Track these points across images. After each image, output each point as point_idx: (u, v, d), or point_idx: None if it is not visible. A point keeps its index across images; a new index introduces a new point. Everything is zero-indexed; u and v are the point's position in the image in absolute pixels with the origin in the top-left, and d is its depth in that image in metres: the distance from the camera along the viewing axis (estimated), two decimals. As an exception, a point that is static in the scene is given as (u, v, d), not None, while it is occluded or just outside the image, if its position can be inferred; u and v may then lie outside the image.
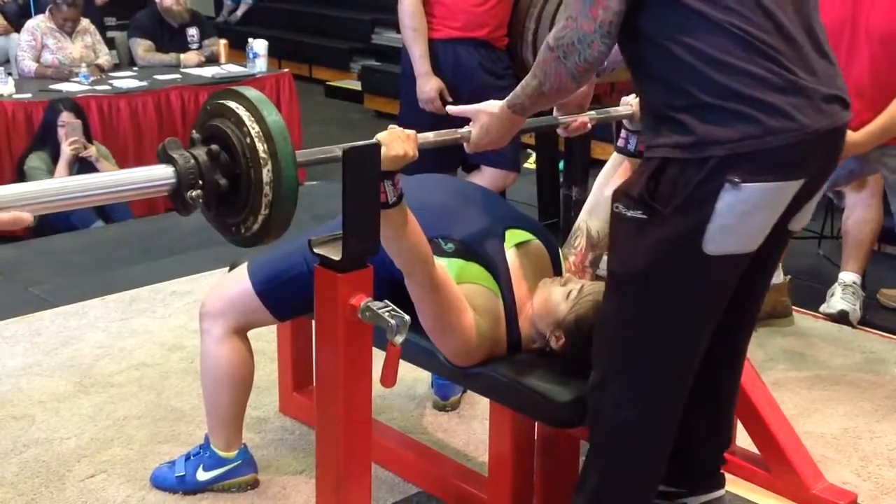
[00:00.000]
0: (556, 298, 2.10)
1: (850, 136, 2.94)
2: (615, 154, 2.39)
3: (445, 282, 2.01)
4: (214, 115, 1.61)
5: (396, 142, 1.79)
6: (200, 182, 1.56)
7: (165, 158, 1.56)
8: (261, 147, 1.54)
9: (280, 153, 1.54)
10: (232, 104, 1.58)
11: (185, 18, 6.31)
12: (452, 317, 2.03)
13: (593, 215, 2.36)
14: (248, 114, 1.56)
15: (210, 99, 1.64)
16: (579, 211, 3.64)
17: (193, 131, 1.63)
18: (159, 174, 1.55)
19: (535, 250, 2.24)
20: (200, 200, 1.56)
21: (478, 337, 2.07)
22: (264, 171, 1.54)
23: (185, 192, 1.55)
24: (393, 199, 1.81)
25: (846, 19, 2.99)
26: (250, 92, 1.59)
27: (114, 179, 1.57)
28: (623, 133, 2.36)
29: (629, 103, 2.34)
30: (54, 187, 1.51)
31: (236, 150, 1.56)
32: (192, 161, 1.55)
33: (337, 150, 1.72)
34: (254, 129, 1.55)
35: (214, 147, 1.57)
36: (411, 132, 1.87)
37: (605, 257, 2.12)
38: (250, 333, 2.42)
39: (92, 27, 6.12)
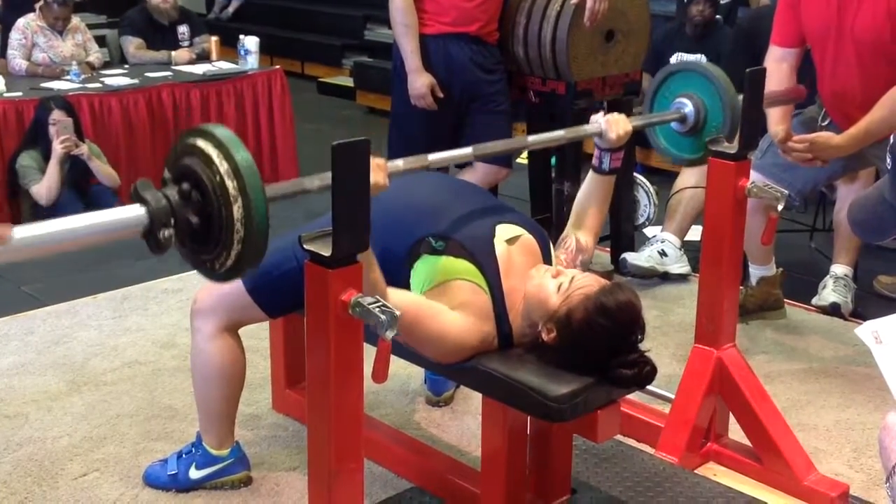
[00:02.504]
0: (548, 291, 2.10)
1: (833, 139, 2.95)
2: (591, 174, 2.39)
3: (409, 302, 2.02)
4: (184, 153, 1.63)
5: None
6: (173, 221, 1.58)
7: (138, 199, 1.59)
8: (230, 184, 1.56)
9: (249, 189, 1.56)
10: (201, 143, 1.60)
11: (173, 16, 6.29)
12: (426, 328, 2.05)
13: (580, 227, 2.39)
14: (216, 151, 1.58)
15: (180, 138, 1.67)
16: (571, 206, 3.67)
17: (165, 170, 1.65)
18: (132, 215, 1.58)
19: (527, 245, 2.24)
20: (173, 240, 1.59)
21: (461, 336, 2.08)
22: (235, 207, 1.56)
23: (158, 231, 1.57)
24: None
25: (831, 25, 3.00)
26: (219, 130, 1.61)
27: (86, 223, 1.58)
28: (596, 152, 2.37)
29: (598, 121, 2.34)
30: (24, 237, 1.50)
31: (207, 189, 1.58)
32: (164, 201, 1.58)
33: (308, 183, 1.76)
34: (223, 166, 1.57)
35: (185, 186, 1.60)
36: (381, 161, 1.88)
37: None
38: (243, 331, 2.42)
39: (83, 25, 6.10)
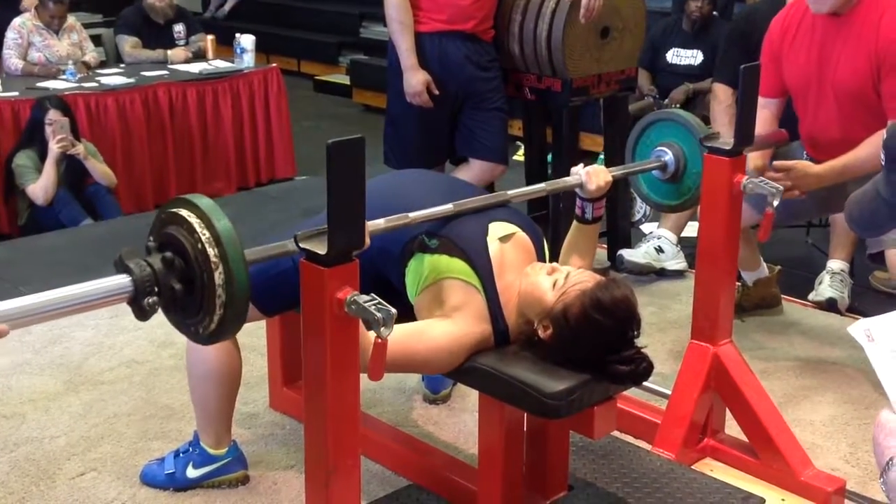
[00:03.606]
0: (543, 288, 2.10)
1: (812, 167, 2.98)
2: (575, 224, 2.44)
3: (391, 347, 2.00)
4: (168, 222, 1.68)
5: None
6: (157, 289, 1.63)
7: (122, 268, 1.63)
8: (212, 252, 1.61)
9: (230, 256, 1.61)
10: (184, 212, 1.65)
11: (168, 15, 6.28)
12: (415, 360, 2.06)
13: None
14: (198, 221, 1.63)
15: (164, 207, 1.72)
16: (568, 203, 3.68)
17: (149, 238, 1.70)
18: (117, 284, 1.62)
19: (520, 242, 2.24)
20: (157, 307, 1.64)
21: (449, 344, 2.08)
22: (216, 274, 1.61)
23: (142, 299, 1.62)
24: None
25: (812, 77, 3.06)
26: (201, 200, 1.66)
27: (73, 294, 1.63)
28: (578, 202, 2.41)
29: (578, 173, 2.39)
30: (11, 309, 1.57)
31: (189, 256, 1.64)
32: (149, 270, 1.63)
33: (290, 245, 1.79)
34: (204, 234, 1.62)
35: (168, 254, 1.65)
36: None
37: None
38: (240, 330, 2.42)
39: (78, 24, 6.09)
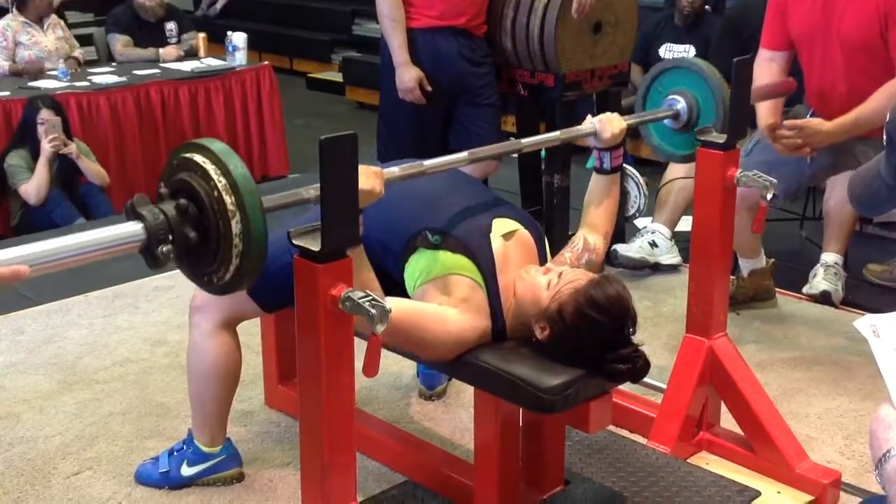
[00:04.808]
0: (539, 288, 2.10)
1: (823, 125, 2.97)
2: (595, 175, 2.40)
3: (403, 309, 2.00)
4: (180, 168, 1.63)
5: (363, 177, 1.80)
6: (170, 237, 1.58)
7: (134, 215, 1.58)
8: (228, 200, 1.57)
9: (248, 205, 1.57)
10: (198, 157, 1.60)
11: (159, 14, 6.27)
12: (423, 335, 2.05)
13: (590, 230, 2.37)
14: (214, 167, 1.58)
15: (175, 152, 1.66)
16: (562, 198, 3.68)
17: (161, 185, 1.65)
18: (129, 232, 1.57)
19: (522, 239, 2.24)
20: (171, 255, 1.59)
21: (458, 332, 2.08)
22: (233, 223, 1.57)
23: (155, 248, 1.57)
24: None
25: (817, 29, 3.06)
26: (215, 145, 1.61)
27: (83, 241, 1.58)
28: (595, 153, 2.38)
29: (591, 122, 2.35)
30: (25, 254, 1.51)
31: (204, 204, 1.59)
32: (162, 217, 1.58)
33: (305, 193, 1.76)
34: (220, 182, 1.57)
35: (183, 201, 1.60)
36: (377, 169, 1.88)
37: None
38: (235, 326, 2.42)
39: (61, 21, 6.09)
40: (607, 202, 2.39)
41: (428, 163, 2.08)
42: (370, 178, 1.84)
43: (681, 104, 2.55)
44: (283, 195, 1.80)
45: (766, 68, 3.17)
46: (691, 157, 2.61)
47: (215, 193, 1.57)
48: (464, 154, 2.14)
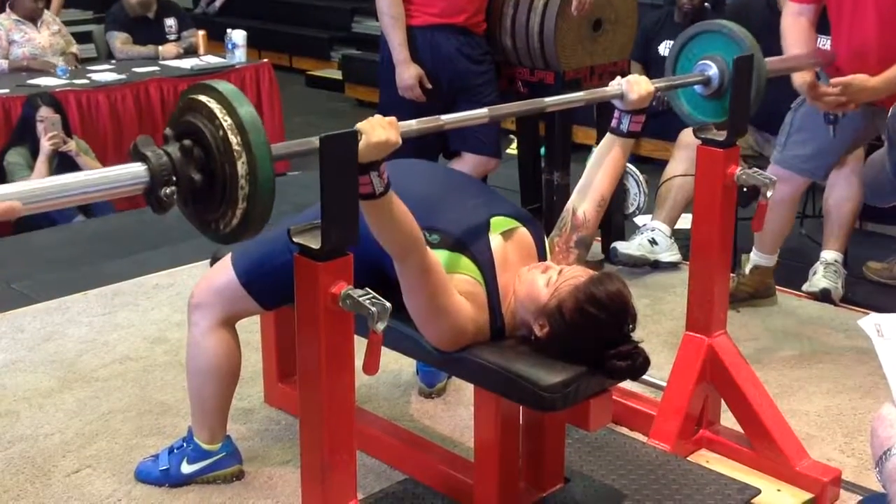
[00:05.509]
0: (538, 286, 2.09)
1: (869, 80, 2.92)
2: (608, 135, 2.34)
3: (436, 264, 2.01)
4: (186, 110, 1.58)
5: (378, 129, 1.77)
6: (174, 179, 1.53)
7: (138, 156, 1.53)
8: (234, 140, 1.52)
9: (254, 145, 1.52)
10: (203, 98, 1.56)
11: (144, 11, 6.25)
12: (443, 299, 2.03)
13: (583, 196, 2.32)
14: (219, 107, 1.54)
15: (183, 95, 1.62)
16: (561, 195, 3.67)
17: (166, 128, 1.60)
18: (132, 172, 1.52)
19: (521, 238, 2.23)
20: (175, 197, 1.54)
21: (465, 320, 2.07)
22: (239, 163, 1.52)
23: (159, 189, 1.52)
24: (380, 189, 1.80)
25: None
26: (222, 85, 1.57)
27: (86, 180, 1.53)
28: (616, 113, 2.31)
29: (619, 82, 2.28)
30: (25, 189, 1.47)
31: (210, 145, 1.54)
32: (165, 158, 1.53)
33: (315, 142, 1.70)
34: (226, 121, 1.53)
35: (187, 142, 1.55)
36: (392, 119, 1.85)
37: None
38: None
39: (57, 19, 6.08)
40: (610, 164, 2.30)
41: (445, 117, 2.03)
42: (385, 128, 1.78)
43: (713, 70, 2.46)
44: (291, 143, 1.75)
45: (794, 23, 3.09)
46: (724, 124, 2.50)
47: (220, 133, 1.52)
48: (483, 110, 2.11)
